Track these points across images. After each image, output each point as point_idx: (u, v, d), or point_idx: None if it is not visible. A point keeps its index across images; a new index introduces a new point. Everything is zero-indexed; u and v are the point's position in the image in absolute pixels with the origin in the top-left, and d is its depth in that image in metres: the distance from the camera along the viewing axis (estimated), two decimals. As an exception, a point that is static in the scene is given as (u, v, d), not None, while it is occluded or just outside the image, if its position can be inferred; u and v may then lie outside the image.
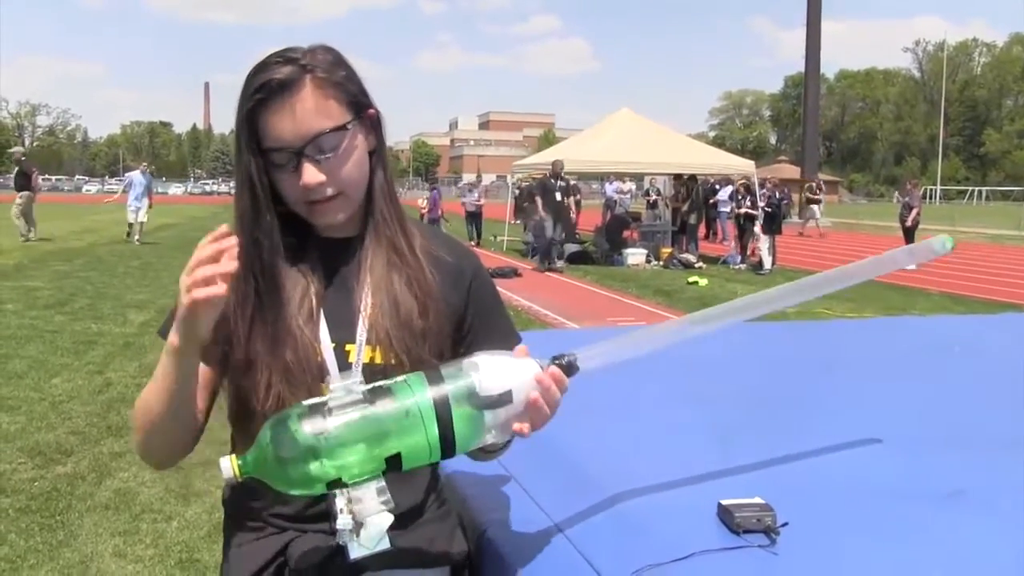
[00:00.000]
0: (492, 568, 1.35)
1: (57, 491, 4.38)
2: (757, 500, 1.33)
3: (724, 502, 1.33)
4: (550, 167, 16.50)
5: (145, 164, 20.87)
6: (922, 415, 2.07)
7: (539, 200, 16.28)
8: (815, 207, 27.79)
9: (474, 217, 20.27)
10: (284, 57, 1.22)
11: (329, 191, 1.24)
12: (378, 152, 1.32)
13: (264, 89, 1.20)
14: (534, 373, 1.10)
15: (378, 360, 1.28)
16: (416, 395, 1.05)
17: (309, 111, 1.21)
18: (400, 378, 1.11)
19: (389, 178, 1.36)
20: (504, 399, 1.04)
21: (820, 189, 29.10)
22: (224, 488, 1.39)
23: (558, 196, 16.22)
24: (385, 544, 1.24)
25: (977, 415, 2.05)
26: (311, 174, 1.21)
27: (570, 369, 1.12)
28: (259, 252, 1.27)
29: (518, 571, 1.28)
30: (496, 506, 1.48)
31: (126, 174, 19.61)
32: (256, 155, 1.23)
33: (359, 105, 1.27)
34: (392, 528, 1.26)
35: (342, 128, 1.23)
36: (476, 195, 21.22)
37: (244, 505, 1.34)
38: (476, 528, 1.45)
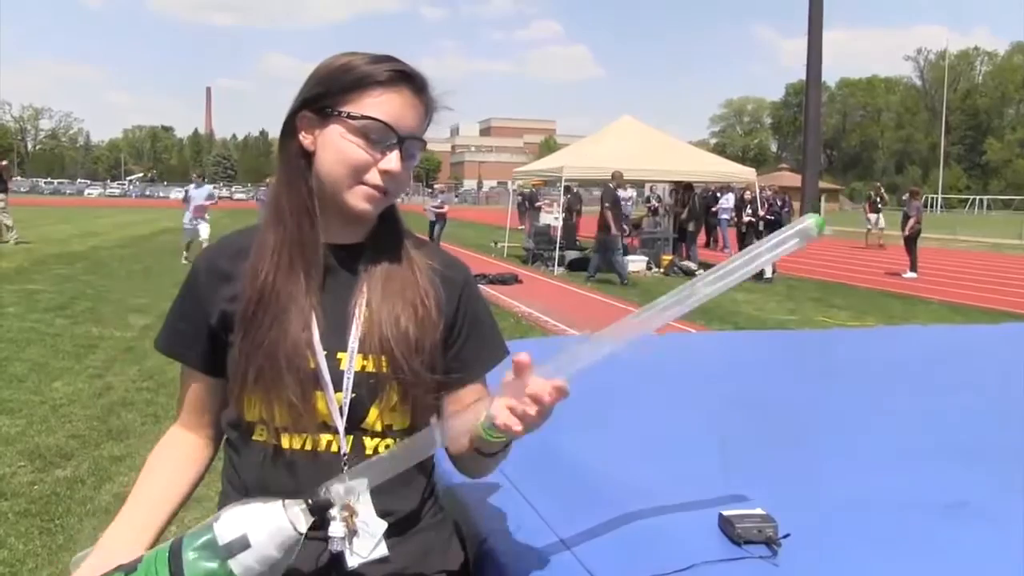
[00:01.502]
0: (492, 577, 1.35)
1: (57, 495, 4.38)
2: (758, 511, 1.33)
3: (725, 512, 1.33)
4: (611, 178, 15.50)
5: (197, 173, 19.90)
6: (923, 425, 2.07)
7: (610, 214, 15.12)
8: (878, 216, 25.98)
9: (434, 225, 19.62)
10: (406, 63, 1.29)
11: (390, 187, 1.28)
12: None
13: (400, 74, 1.26)
14: (277, 521, 1.09)
15: (370, 368, 1.28)
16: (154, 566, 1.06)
17: (421, 115, 1.30)
18: (149, 554, 1.11)
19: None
20: (242, 543, 1.03)
21: (883, 199, 26.57)
22: (220, 495, 1.39)
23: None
24: (381, 552, 1.24)
25: (978, 425, 2.05)
26: (398, 162, 1.26)
27: (318, 510, 1.11)
28: (301, 236, 1.29)
29: (519, 580, 1.28)
30: (497, 515, 1.48)
31: (191, 186, 17.81)
32: (340, 117, 1.26)
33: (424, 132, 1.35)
34: (388, 536, 1.26)
35: (424, 143, 1.32)
36: (439, 200, 20.62)
37: None
38: (476, 537, 1.45)
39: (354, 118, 1.24)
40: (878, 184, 30.05)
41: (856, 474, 1.67)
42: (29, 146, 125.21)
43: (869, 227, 26.48)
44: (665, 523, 1.39)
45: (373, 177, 1.25)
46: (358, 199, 1.27)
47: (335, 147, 1.25)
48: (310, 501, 1.11)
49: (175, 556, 1.06)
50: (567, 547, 1.32)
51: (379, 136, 1.24)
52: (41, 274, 14.18)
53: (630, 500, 1.47)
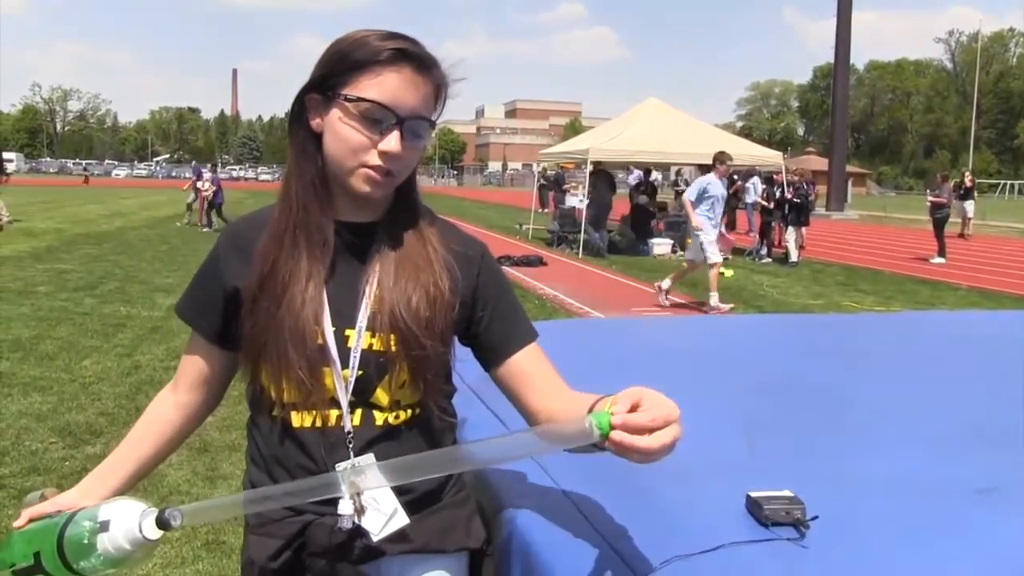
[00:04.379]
0: (519, 556, 1.35)
1: (87, 471, 4.38)
2: (786, 493, 1.32)
3: (753, 494, 1.33)
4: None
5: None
6: (951, 411, 2.05)
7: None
8: (968, 204, 22.92)
9: None
10: (415, 42, 1.27)
11: (393, 168, 1.26)
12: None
13: (402, 54, 1.24)
14: (130, 522, 1.19)
15: (377, 347, 1.29)
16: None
17: (426, 95, 1.26)
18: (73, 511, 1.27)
19: (416, 174, 1.39)
20: (105, 526, 1.20)
21: (973, 184, 23.08)
22: (246, 472, 1.42)
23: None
24: (393, 528, 1.25)
25: (1008, 412, 2.03)
26: (398, 143, 1.23)
27: (162, 524, 1.18)
28: (307, 218, 1.30)
29: (545, 559, 1.28)
30: (523, 494, 1.48)
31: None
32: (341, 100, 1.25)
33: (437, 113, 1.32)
34: (409, 512, 1.27)
35: (432, 123, 1.29)
36: None
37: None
38: (502, 516, 1.45)
39: (351, 100, 1.23)
40: (965, 170, 27.38)
41: (884, 458, 1.66)
42: (58, 127, 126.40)
43: (962, 216, 23.12)
44: (692, 504, 1.38)
45: (373, 159, 1.24)
46: (360, 182, 1.27)
47: (335, 130, 1.25)
48: (159, 514, 1.19)
49: (73, 517, 1.24)
50: (594, 527, 1.33)
51: (378, 118, 1.23)
52: (70, 254, 14.36)
53: (657, 480, 1.47)
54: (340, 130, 1.25)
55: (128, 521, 1.19)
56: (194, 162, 24.53)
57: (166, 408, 1.45)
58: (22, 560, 1.24)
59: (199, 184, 21.18)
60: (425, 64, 1.25)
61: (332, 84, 1.25)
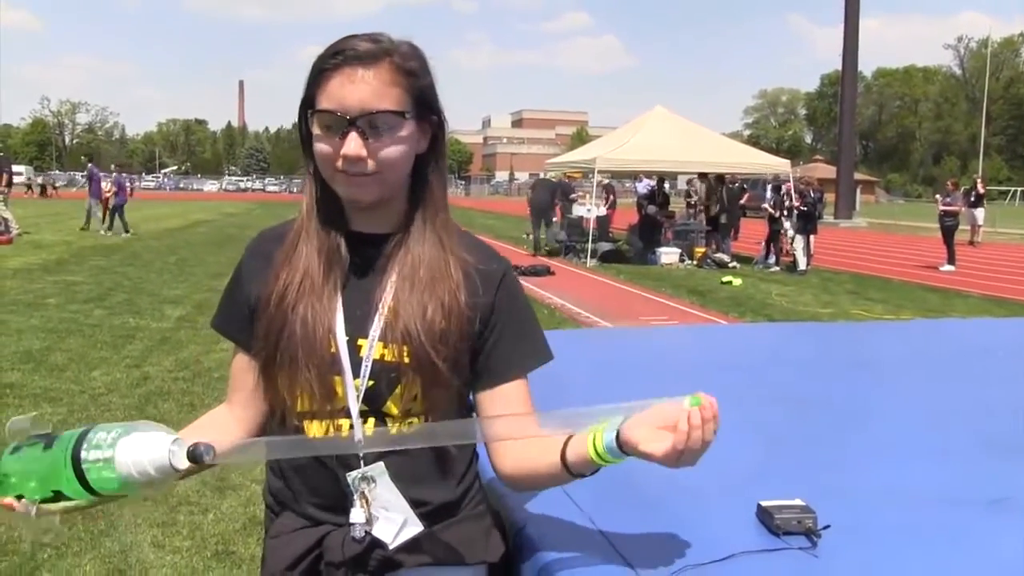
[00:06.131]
0: (530, 567, 1.35)
1: (97, 483, 4.46)
2: (798, 502, 1.32)
3: (764, 503, 1.32)
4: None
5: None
6: (963, 420, 2.04)
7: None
8: (978, 211, 23.26)
9: None
10: (370, 37, 1.26)
11: (368, 168, 1.25)
12: (435, 161, 1.34)
13: (341, 55, 1.23)
14: (160, 448, 1.13)
15: (389, 358, 1.28)
16: (65, 446, 1.15)
17: (375, 88, 1.23)
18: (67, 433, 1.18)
19: (443, 187, 1.37)
20: (128, 431, 1.13)
21: (984, 190, 23.45)
22: (265, 481, 1.42)
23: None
24: (406, 537, 1.25)
25: (1020, 421, 2.02)
26: (355, 145, 1.22)
27: (193, 456, 1.13)
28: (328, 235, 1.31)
29: (557, 571, 1.28)
30: (534, 506, 1.48)
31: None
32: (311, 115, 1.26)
33: (424, 105, 1.29)
34: (425, 524, 1.27)
35: (399, 114, 1.25)
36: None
37: (283, 498, 1.36)
38: (514, 527, 1.45)
39: (312, 116, 1.25)
40: (976, 176, 27.31)
41: (895, 467, 1.65)
42: (67, 140, 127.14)
43: (972, 223, 23.14)
44: (703, 513, 1.38)
45: (342, 165, 1.24)
46: (341, 188, 1.28)
47: (314, 144, 1.27)
48: (190, 447, 1.13)
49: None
50: (606, 537, 1.33)
51: (331, 123, 1.24)
52: (79, 265, 14.41)
53: (668, 490, 1.47)
54: (315, 144, 1.27)
55: (160, 443, 1.12)
56: (90, 164, 24.04)
57: (224, 417, 1.44)
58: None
59: (104, 186, 21.67)
60: (366, 56, 1.23)
61: (306, 101, 1.27)
